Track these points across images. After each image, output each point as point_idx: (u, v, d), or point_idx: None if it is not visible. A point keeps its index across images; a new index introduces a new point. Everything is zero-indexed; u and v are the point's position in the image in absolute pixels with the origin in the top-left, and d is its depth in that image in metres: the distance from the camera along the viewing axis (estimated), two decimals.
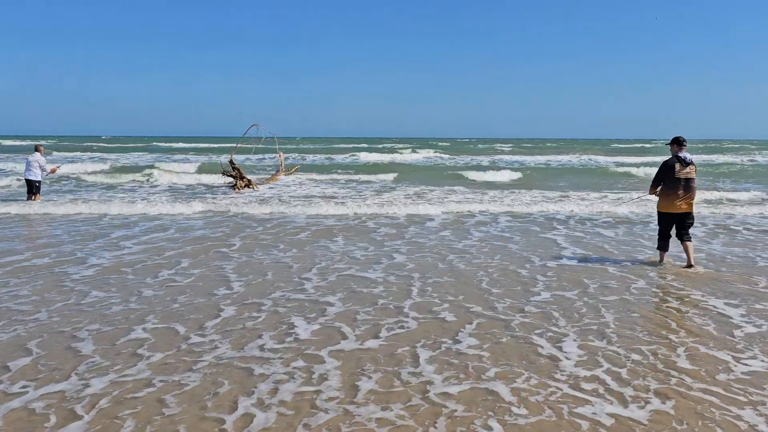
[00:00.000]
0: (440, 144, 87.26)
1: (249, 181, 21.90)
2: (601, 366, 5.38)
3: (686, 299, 7.64)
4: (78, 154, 47.26)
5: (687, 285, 8.35)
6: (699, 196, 18.37)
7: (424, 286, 8.28)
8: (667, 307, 7.32)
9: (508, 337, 6.14)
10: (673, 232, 9.27)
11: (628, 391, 4.83)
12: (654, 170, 10.58)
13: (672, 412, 4.49)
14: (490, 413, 4.48)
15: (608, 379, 5.08)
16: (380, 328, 6.47)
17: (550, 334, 6.24)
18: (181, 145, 77.31)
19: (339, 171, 31.56)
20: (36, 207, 15.92)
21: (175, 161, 38.84)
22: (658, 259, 9.73)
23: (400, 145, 75.57)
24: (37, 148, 17.76)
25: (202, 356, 5.79)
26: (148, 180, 25.22)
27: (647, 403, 4.63)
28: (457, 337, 6.14)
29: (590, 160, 48.48)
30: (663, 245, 9.39)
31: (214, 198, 19.39)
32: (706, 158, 50.16)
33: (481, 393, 4.83)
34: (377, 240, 11.81)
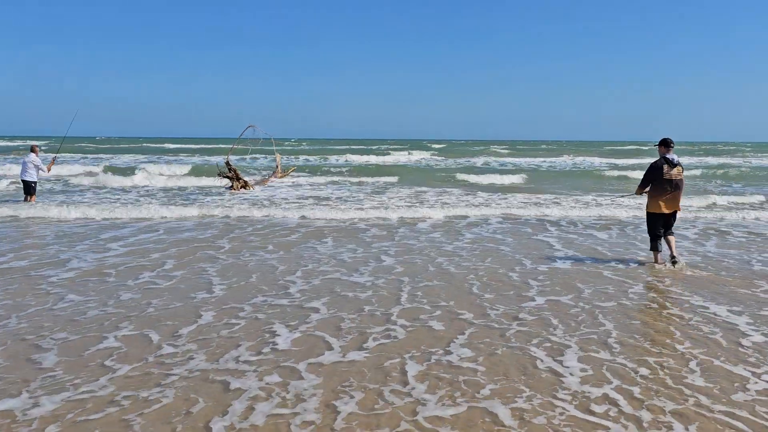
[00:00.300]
0: (438, 146, 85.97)
1: (245, 182, 21.19)
2: (609, 382, 4.74)
3: (686, 305, 7.02)
4: (71, 155, 46.02)
5: (686, 289, 7.74)
6: (698, 200, 17.96)
7: (413, 290, 7.64)
8: (669, 313, 6.70)
9: (504, 348, 5.50)
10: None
11: (645, 415, 4.18)
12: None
13: None
14: None
15: (620, 399, 4.43)
16: (366, 337, 5.82)
17: (548, 344, 5.60)
18: (175, 146, 75.68)
19: (335, 173, 30.78)
20: (28, 209, 15.15)
21: (168, 163, 37.74)
22: (653, 260, 9.35)
23: (397, 147, 74.45)
24: (32, 149, 17.09)
25: (173, 368, 5.15)
26: (144, 181, 24.37)
27: (669, 429, 3.99)
28: (448, 348, 5.50)
29: (584, 161, 47.88)
30: (656, 245, 9.12)
31: (205, 199, 18.70)
32: (704, 160, 49.44)
33: (478, 414, 4.18)
34: (366, 241, 11.16)
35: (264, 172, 28.78)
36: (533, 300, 7.18)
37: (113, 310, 6.84)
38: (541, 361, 5.17)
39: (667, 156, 8.82)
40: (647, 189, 9.09)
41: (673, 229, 9.28)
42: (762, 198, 19.75)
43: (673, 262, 8.94)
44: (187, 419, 4.15)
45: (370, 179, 27.12)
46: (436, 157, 52.05)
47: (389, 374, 4.89)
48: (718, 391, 4.56)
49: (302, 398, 4.44)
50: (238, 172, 21.73)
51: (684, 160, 47.12)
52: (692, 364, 5.10)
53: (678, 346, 5.56)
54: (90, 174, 26.48)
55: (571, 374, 4.86)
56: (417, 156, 53.06)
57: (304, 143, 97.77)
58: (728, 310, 6.74)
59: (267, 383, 4.74)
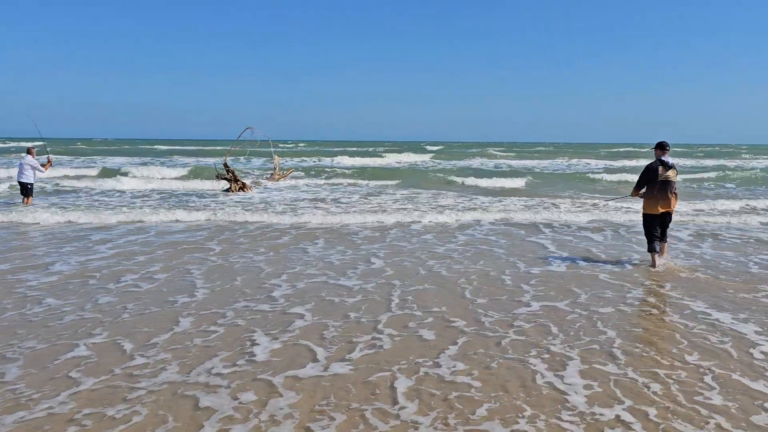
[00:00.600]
0: (435, 147, 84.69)
1: (243, 184, 20.51)
2: (620, 401, 4.16)
3: (688, 311, 6.48)
4: (67, 157, 44.87)
5: (686, 294, 7.20)
6: (694, 203, 17.41)
7: (403, 295, 7.07)
8: (672, 320, 6.15)
9: (500, 360, 4.94)
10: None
11: None
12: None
13: None
14: None
15: (634, 423, 3.84)
16: (351, 347, 5.25)
17: (547, 355, 5.03)
18: (170, 147, 74.06)
19: (331, 175, 30.02)
20: (20, 213, 14.32)
21: (163, 165, 36.87)
22: (650, 263, 8.91)
23: (394, 149, 73.23)
24: (29, 151, 16.43)
25: (140, 381, 4.59)
26: (138, 184, 23.56)
27: None
28: (440, 360, 4.93)
29: (578, 162, 47.17)
30: (653, 247, 8.83)
31: (199, 201, 18.07)
32: (702, 162, 48.74)
33: None
34: (357, 244, 10.57)
35: (266, 174, 28.01)
36: (528, 306, 6.63)
37: (89, 315, 6.30)
38: (542, 375, 4.60)
39: (663, 158, 8.71)
40: (642, 190, 8.93)
41: (668, 231, 9.07)
42: (755, 202, 19.21)
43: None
44: None
45: (365, 182, 26.38)
46: (432, 159, 51.11)
47: (375, 390, 4.32)
48: (738, 411, 4.01)
49: (276, 420, 3.86)
50: (237, 173, 21.08)
51: (686, 162, 46.26)
52: (707, 379, 4.55)
53: (687, 357, 5.02)
54: (84, 177, 25.66)
55: (576, 392, 4.29)
56: (414, 158, 52.10)
57: (300, 144, 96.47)
58: (733, 318, 6.20)
59: (240, 402, 4.16)
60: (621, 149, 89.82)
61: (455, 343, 5.32)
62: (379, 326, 5.83)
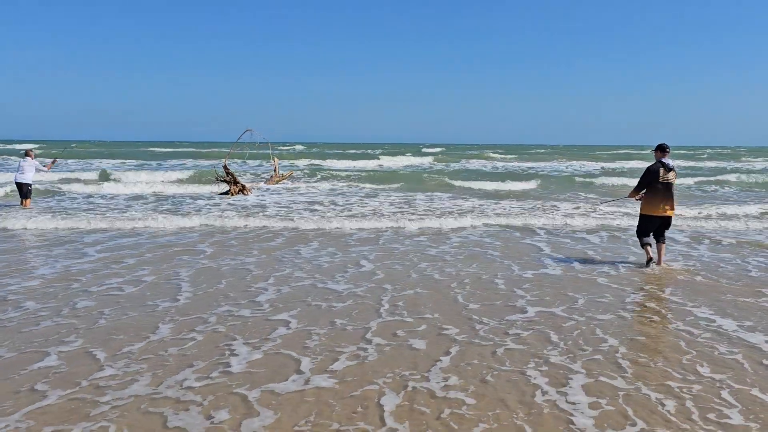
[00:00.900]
0: (432, 150, 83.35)
1: (243, 186, 19.90)
2: (633, 422, 3.66)
3: (691, 317, 6.00)
4: (64, 160, 43.84)
5: (687, 299, 6.72)
6: (691, 206, 16.93)
7: (394, 300, 6.57)
8: (676, 328, 5.66)
9: (496, 373, 4.44)
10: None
11: None
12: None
13: None
14: None
15: None
16: (336, 356, 4.76)
17: (546, 367, 4.53)
18: (169, 150, 72.60)
19: (329, 177, 29.41)
20: (14, 218, 13.51)
21: (160, 167, 36.06)
22: (644, 260, 8.67)
23: (393, 151, 72.15)
24: (27, 153, 15.85)
25: (106, 394, 4.12)
26: (135, 188, 22.78)
27: None
28: (431, 373, 4.43)
29: (571, 165, 46.51)
30: (646, 241, 8.71)
31: (195, 204, 17.51)
32: (705, 164, 48.02)
33: None
34: (349, 246, 10.05)
35: (264, 176, 27.37)
36: (524, 311, 6.13)
37: (65, 321, 5.82)
38: (542, 391, 4.10)
39: (663, 160, 8.56)
40: (642, 192, 8.74)
41: (666, 233, 8.81)
42: (755, 208, 18.75)
43: (655, 263, 8.66)
44: None
45: (363, 185, 25.72)
46: (431, 161, 50.30)
47: (359, 408, 3.83)
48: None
49: None
50: (236, 176, 20.48)
51: (688, 164, 45.39)
52: (725, 394, 4.06)
53: (699, 369, 4.54)
54: (79, 180, 24.82)
55: (582, 412, 3.78)
56: (412, 161, 51.33)
57: (297, 146, 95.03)
58: (738, 325, 5.72)
59: (213, 421, 3.66)
60: (621, 151, 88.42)
61: (447, 353, 4.83)
62: (368, 334, 5.33)
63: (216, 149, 65.67)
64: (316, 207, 16.08)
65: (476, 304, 6.38)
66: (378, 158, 50.03)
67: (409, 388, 4.11)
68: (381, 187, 23.75)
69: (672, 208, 8.54)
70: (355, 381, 4.26)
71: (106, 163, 38.76)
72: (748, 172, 34.82)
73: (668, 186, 8.48)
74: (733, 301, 6.61)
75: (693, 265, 8.67)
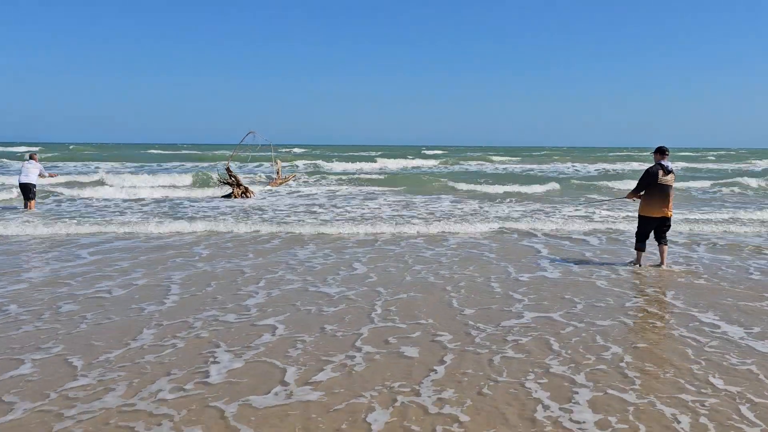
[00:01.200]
0: (431, 152, 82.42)
1: (246, 188, 19.39)
2: None
3: (696, 323, 5.59)
4: (64, 162, 43.07)
5: (689, 303, 6.32)
6: (689, 208, 16.45)
7: (387, 304, 6.15)
8: (681, 335, 5.25)
9: (493, 385, 4.02)
10: (651, 234, 8.65)
11: None
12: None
13: None
14: None
15: None
16: (322, 366, 4.34)
17: (545, 379, 4.11)
18: (169, 152, 71.16)
19: (328, 180, 28.88)
20: (17, 225, 12.84)
21: (161, 170, 35.33)
22: (635, 259, 8.60)
23: (394, 154, 71.14)
24: (31, 156, 15.40)
25: (75, 406, 3.73)
26: (135, 192, 22.16)
27: None
28: (423, 385, 4.01)
29: (571, 167, 45.93)
30: (641, 246, 8.60)
31: (195, 207, 17.06)
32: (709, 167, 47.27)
33: None
34: (345, 248, 9.63)
35: (265, 178, 26.83)
36: (521, 316, 5.72)
37: (45, 326, 5.44)
38: (544, 406, 3.68)
39: (662, 162, 8.44)
40: (641, 193, 8.59)
41: (666, 234, 8.59)
42: (751, 214, 18.36)
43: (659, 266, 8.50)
44: None
45: (364, 187, 25.18)
46: (431, 164, 49.65)
47: (344, 425, 3.41)
48: None
49: None
50: (239, 178, 19.98)
51: (703, 166, 44.58)
52: (744, 410, 3.64)
53: (712, 380, 4.13)
54: (79, 183, 24.12)
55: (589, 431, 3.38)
56: (411, 163, 50.68)
57: (296, 148, 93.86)
58: (746, 332, 5.31)
59: None
60: (622, 153, 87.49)
61: (442, 362, 4.42)
62: (358, 342, 4.91)
63: (217, 151, 65.03)
64: (316, 209, 15.62)
65: (472, 309, 5.96)
66: (374, 161, 49.37)
67: (399, 403, 3.69)
68: (380, 189, 23.28)
69: (669, 209, 8.40)
70: (341, 394, 3.84)
71: (105, 166, 37.97)
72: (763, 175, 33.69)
73: (667, 188, 8.35)
74: (736, 306, 6.20)
75: (694, 267, 8.28)
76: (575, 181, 27.95)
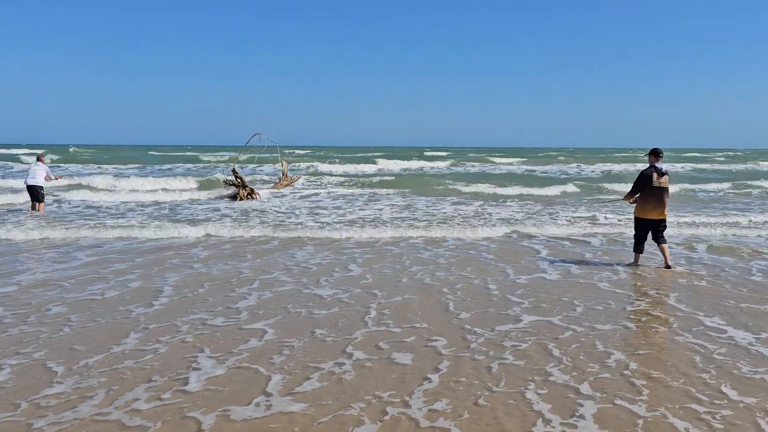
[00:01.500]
0: (432, 153, 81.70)
1: (251, 190, 18.98)
2: None
3: (700, 327, 5.24)
4: (66, 164, 42.45)
5: (692, 306, 5.96)
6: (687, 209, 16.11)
7: (380, 307, 5.80)
8: (686, 341, 4.89)
9: (489, 395, 3.67)
10: (649, 236, 8.51)
11: None
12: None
13: None
14: None
15: None
16: (309, 374, 3.99)
17: (546, 390, 3.76)
18: (171, 154, 70.26)
19: (331, 182, 28.51)
20: (17, 224, 12.39)
21: (164, 173, 34.46)
22: (633, 261, 8.48)
23: (396, 155, 70.27)
24: (39, 158, 15.11)
25: (46, 415, 3.44)
26: (137, 195, 21.76)
27: None
28: (415, 395, 3.66)
29: (570, 168, 45.37)
30: (639, 248, 8.50)
31: (200, 209, 16.69)
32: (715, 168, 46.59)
33: None
34: (345, 248, 9.29)
35: (269, 179, 26.41)
36: (519, 320, 5.38)
37: (30, 329, 5.13)
38: (546, 419, 3.32)
39: (656, 165, 8.35)
40: (636, 196, 8.49)
41: (664, 234, 8.44)
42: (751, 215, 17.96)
43: (667, 267, 8.22)
44: None
45: (367, 190, 24.73)
46: (432, 165, 49.08)
47: None
48: None
49: None
50: (245, 179, 19.60)
51: (688, 166, 44.23)
52: (763, 423, 3.29)
53: (725, 390, 3.77)
54: (81, 185, 23.65)
55: None
56: (413, 164, 50.13)
57: (298, 150, 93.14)
58: (755, 337, 4.96)
59: None
60: (627, 154, 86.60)
61: (436, 370, 4.07)
62: (348, 347, 4.57)
63: (219, 153, 64.62)
64: (319, 211, 15.24)
65: (468, 312, 5.62)
66: (375, 162, 48.97)
67: (389, 416, 3.35)
68: (382, 191, 22.89)
69: (662, 212, 8.29)
70: (328, 405, 3.50)
71: (107, 168, 37.54)
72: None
73: (661, 190, 8.23)
74: (739, 309, 5.85)
75: (703, 272, 7.87)
76: (582, 182, 27.37)
